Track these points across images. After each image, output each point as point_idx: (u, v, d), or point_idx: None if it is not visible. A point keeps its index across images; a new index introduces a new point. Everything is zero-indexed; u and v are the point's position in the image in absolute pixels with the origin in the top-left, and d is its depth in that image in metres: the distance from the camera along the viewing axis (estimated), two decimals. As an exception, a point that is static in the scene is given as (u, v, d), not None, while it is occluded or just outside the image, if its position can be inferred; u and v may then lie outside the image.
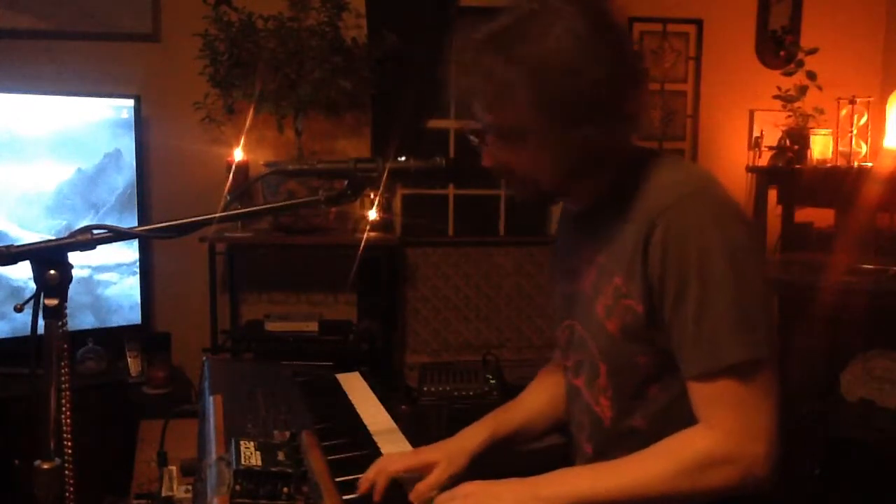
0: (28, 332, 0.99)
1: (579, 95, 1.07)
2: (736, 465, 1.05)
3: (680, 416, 1.14)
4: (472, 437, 1.34)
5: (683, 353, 1.08)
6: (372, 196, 3.02)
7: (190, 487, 1.37)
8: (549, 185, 1.18)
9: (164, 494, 1.39)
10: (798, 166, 3.23)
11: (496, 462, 1.33)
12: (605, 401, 1.20)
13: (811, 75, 3.21)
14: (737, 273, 1.05)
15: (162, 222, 1.12)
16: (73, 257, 1.01)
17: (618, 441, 1.20)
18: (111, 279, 2.98)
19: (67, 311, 1.01)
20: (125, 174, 2.97)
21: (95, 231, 1.04)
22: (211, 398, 1.35)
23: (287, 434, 1.21)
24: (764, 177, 3.40)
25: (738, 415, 1.05)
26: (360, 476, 1.26)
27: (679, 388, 1.14)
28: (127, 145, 2.95)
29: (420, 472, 1.26)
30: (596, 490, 1.09)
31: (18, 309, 0.99)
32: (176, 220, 1.12)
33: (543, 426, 1.41)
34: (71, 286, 1.01)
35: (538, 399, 1.43)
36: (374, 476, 1.23)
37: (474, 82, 1.11)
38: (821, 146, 3.24)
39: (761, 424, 1.05)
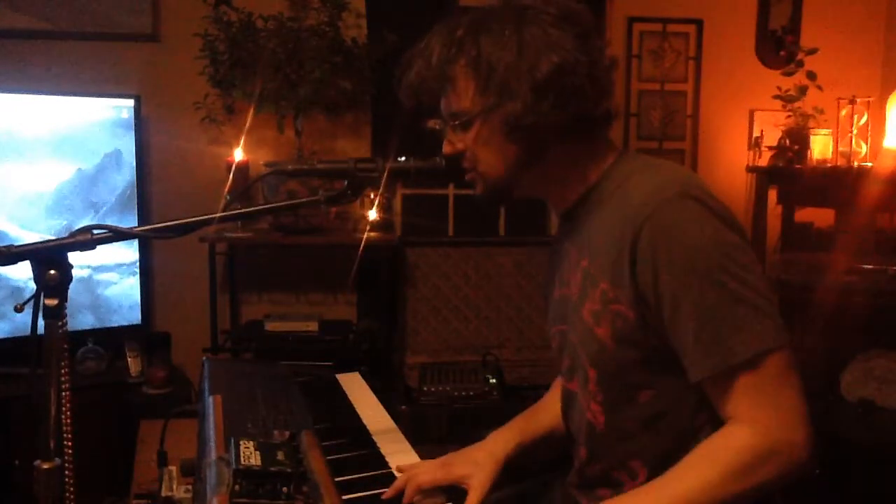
0: (28, 332, 1.00)
1: (519, 87, 1.10)
2: (781, 457, 1.03)
3: (674, 422, 1.14)
4: (502, 445, 1.32)
5: (689, 357, 1.06)
6: (372, 196, 3.02)
7: (190, 487, 1.38)
8: (499, 176, 1.19)
9: (164, 494, 1.40)
10: (798, 166, 3.23)
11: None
12: (595, 406, 1.19)
13: (811, 75, 3.20)
14: (731, 269, 1.04)
15: (162, 222, 1.13)
16: (73, 257, 1.01)
17: (610, 445, 1.19)
18: (111, 279, 2.98)
19: (67, 311, 1.01)
20: (125, 174, 2.97)
21: (95, 231, 1.04)
22: (211, 398, 1.36)
23: (287, 434, 1.21)
24: (764, 177, 3.39)
25: (767, 406, 1.04)
26: (359, 476, 1.26)
27: (670, 394, 1.13)
28: (127, 145, 2.95)
29: (451, 485, 1.25)
30: None
31: (18, 309, 0.99)
32: (176, 220, 1.12)
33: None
34: (71, 286, 1.01)
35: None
36: (402, 485, 1.22)
37: (425, 71, 1.16)
38: (821, 146, 3.24)
39: (794, 411, 1.04)
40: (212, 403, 1.33)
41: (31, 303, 0.99)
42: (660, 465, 1.11)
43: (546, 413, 1.41)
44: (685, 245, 1.05)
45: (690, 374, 1.07)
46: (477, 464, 1.28)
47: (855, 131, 3.17)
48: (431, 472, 1.25)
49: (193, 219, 1.13)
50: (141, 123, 2.98)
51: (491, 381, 3.04)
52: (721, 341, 1.03)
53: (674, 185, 1.09)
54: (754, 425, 1.04)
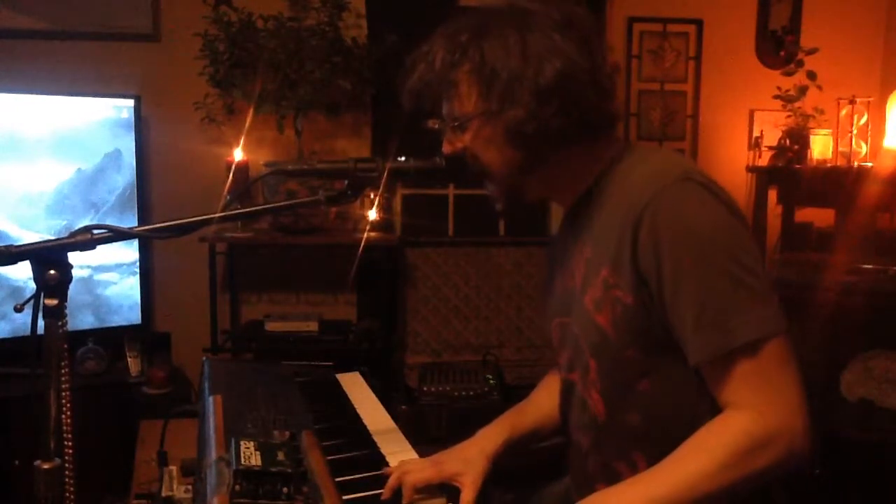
0: (28, 332, 1.00)
1: (522, 93, 1.10)
2: (778, 443, 1.02)
3: (675, 411, 1.14)
4: (491, 441, 1.33)
5: (690, 340, 1.06)
6: (372, 196, 3.02)
7: (190, 487, 1.38)
8: (502, 177, 1.19)
9: (164, 494, 1.39)
10: (798, 166, 3.23)
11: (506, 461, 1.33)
12: (596, 395, 1.19)
13: (811, 75, 3.21)
14: (733, 253, 1.05)
15: (162, 222, 1.12)
16: (73, 257, 1.01)
17: (613, 435, 1.20)
18: (111, 279, 2.98)
19: (67, 311, 1.01)
20: (125, 174, 2.97)
21: (95, 231, 1.04)
22: (211, 398, 1.36)
23: (287, 434, 1.21)
24: (764, 177, 3.40)
25: (766, 392, 1.04)
26: (359, 476, 1.26)
27: (671, 383, 1.13)
28: (127, 145, 2.95)
29: (442, 482, 1.25)
30: (652, 500, 1.06)
31: (18, 309, 0.99)
32: (176, 220, 1.12)
33: (554, 426, 1.39)
34: (71, 286, 1.01)
35: (551, 400, 1.40)
36: (395, 483, 1.22)
37: (428, 75, 1.16)
38: (821, 146, 3.24)
39: (791, 398, 1.04)
40: (212, 403, 1.33)
41: (31, 303, 0.99)
42: (660, 455, 1.11)
43: (534, 409, 1.42)
44: (687, 227, 1.05)
45: (690, 357, 1.07)
46: (468, 461, 1.28)
47: (855, 131, 3.17)
48: (424, 470, 1.25)
49: (193, 219, 1.13)
50: (141, 123, 2.98)
51: (491, 381, 3.04)
52: (721, 325, 1.03)
53: (675, 170, 1.10)
54: (752, 412, 1.04)
